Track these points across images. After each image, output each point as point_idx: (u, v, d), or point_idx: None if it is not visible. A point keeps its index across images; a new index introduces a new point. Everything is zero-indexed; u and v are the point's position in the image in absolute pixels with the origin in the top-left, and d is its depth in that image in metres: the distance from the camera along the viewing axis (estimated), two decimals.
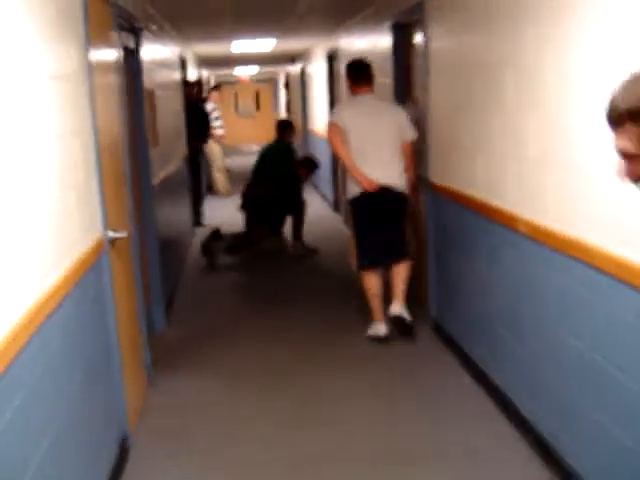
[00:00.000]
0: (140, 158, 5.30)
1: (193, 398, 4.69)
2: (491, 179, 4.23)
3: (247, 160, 19.48)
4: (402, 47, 6.31)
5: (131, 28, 5.20)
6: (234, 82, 23.47)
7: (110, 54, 4.26)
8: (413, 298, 6.15)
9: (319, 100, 12.24)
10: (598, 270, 3.01)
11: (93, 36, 3.71)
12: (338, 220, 10.54)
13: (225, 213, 11.26)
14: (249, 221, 8.46)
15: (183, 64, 10.15)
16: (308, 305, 6.60)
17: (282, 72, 21.40)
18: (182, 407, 4.55)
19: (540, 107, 3.54)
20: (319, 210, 11.41)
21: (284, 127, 8.86)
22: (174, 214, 7.54)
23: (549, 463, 3.57)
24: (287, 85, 19.66)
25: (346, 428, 4.17)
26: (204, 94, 12.37)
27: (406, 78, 6.32)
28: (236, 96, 25.23)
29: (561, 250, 3.34)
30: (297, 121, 16.06)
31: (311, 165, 8.84)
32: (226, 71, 20.19)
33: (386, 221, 5.45)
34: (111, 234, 3.83)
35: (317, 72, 12.44)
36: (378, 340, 5.46)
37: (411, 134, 5.50)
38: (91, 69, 3.64)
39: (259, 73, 21.92)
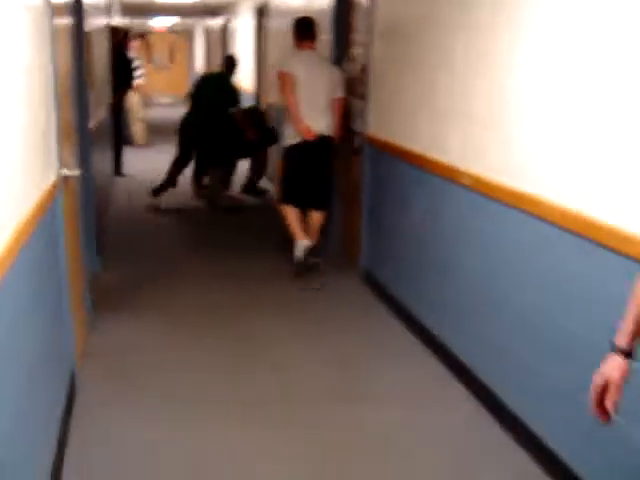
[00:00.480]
0: (78, 100, 5.23)
1: (132, 340, 4.75)
2: (435, 134, 4.41)
3: (160, 112, 19.26)
4: (343, 4, 6.38)
5: None
6: (149, 32, 23.02)
7: None
8: (345, 251, 6.39)
9: (244, 55, 12.15)
10: (539, 219, 3.27)
11: None
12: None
13: (144, 164, 11.17)
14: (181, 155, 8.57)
15: (108, 9, 9.95)
16: (242, 253, 6.74)
17: (200, 25, 21.10)
18: (122, 348, 4.61)
19: (490, 67, 3.73)
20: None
21: (232, 62, 8.75)
22: (101, 161, 7.46)
23: (484, 402, 3.84)
24: (206, 38, 19.41)
25: (281, 369, 4.35)
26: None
27: (345, 35, 6.40)
28: (150, 46, 24.74)
29: (503, 201, 3.59)
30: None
31: (266, 132, 8.68)
32: (142, 20, 19.76)
33: (315, 169, 6.03)
34: (66, 172, 3.83)
35: (243, 27, 12.35)
36: (304, 261, 5.96)
37: (340, 92, 6.02)
38: (52, 6, 3.61)
39: (175, 25, 21.56)
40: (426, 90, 4.52)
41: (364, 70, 5.84)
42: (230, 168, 8.69)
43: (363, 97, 5.83)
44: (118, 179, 10.25)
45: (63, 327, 3.78)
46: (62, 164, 3.77)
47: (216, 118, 8.26)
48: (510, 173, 3.54)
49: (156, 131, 14.44)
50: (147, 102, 16.83)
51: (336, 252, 6.66)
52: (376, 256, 5.60)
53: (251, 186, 9.16)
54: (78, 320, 4.29)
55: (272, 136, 8.70)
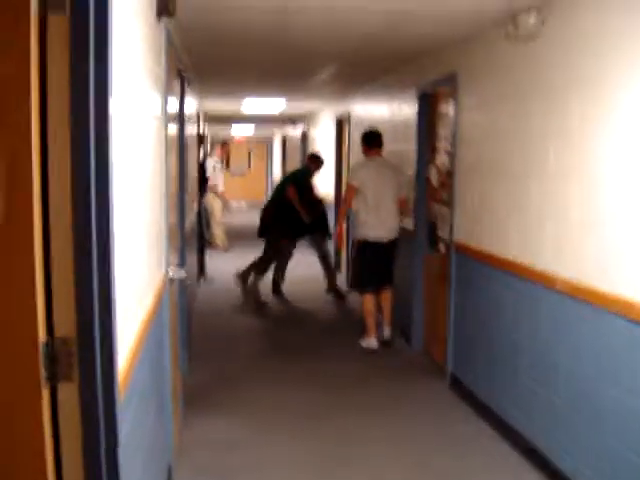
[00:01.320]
0: (180, 203, 5.48)
1: (221, 437, 4.82)
2: (526, 240, 4.48)
3: (237, 217, 19.78)
4: (426, 114, 6.62)
5: (180, 77, 5.45)
6: (230, 140, 23.86)
7: (174, 104, 4.50)
8: (429, 354, 6.41)
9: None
10: (634, 321, 3.31)
11: (168, 87, 3.97)
12: (340, 278, 10.73)
13: (226, 267, 11.41)
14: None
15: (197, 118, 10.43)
16: (323, 353, 6.84)
17: (278, 133, 21.80)
18: (214, 445, 4.68)
19: (581, 172, 3.84)
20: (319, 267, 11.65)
21: (312, 158, 9.53)
22: (190, 263, 7.70)
23: None
24: (283, 146, 20.02)
25: (375, 472, 4.33)
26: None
27: (429, 144, 6.61)
28: (229, 153, 25.68)
29: (598, 304, 3.62)
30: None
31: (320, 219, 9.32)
32: (221, 128, 20.52)
33: (382, 259, 6.90)
34: (171, 273, 4.01)
35: (322, 135, 12.74)
36: (371, 352, 6.80)
37: (405, 192, 6.93)
38: (167, 116, 3.87)
39: (255, 133, 22.32)
40: (516, 196, 4.63)
41: (449, 176, 6.00)
42: (277, 256, 9.11)
43: (448, 204, 5.98)
44: (202, 281, 10.51)
45: (165, 421, 3.88)
46: (168, 265, 3.96)
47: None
48: (604, 277, 3.58)
49: (234, 235, 14.83)
50: (225, 207, 17.34)
51: (420, 354, 6.71)
52: (463, 359, 5.61)
53: (331, 287, 9.34)
54: (175, 416, 4.39)
55: (324, 222, 9.32)
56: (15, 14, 1.75)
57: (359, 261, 7.02)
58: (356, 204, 6.89)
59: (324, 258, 9.41)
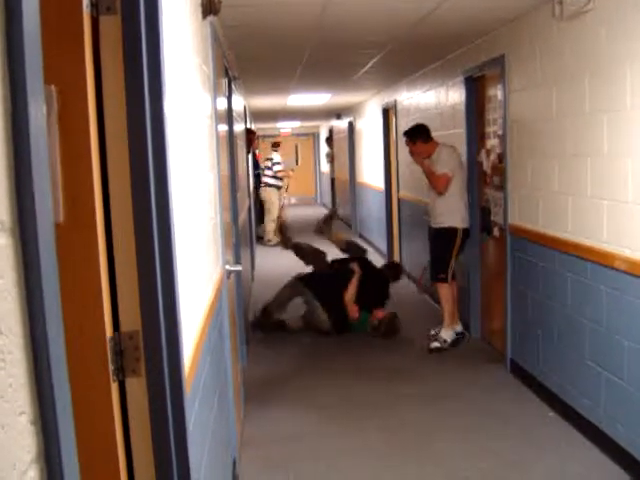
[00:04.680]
0: (232, 199, 5.54)
1: (285, 429, 4.87)
2: (582, 219, 4.43)
3: (288, 212, 19.86)
4: (474, 98, 6.57)
5: (226, 75, 5.50)
6: (274, 135, 23.92)
7: (222, 102, 4.54)
8: (487, 340, 6.37)
9: (372, 153, 12.49)
10: None
11: (216, 85, 4.00)
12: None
13: (275, 262, 11.42)
14: None
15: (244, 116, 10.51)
16: (380, 343, 6.84)
17: (324, 126, 21.83)
18: (276, 437, 4.72)
19: (635, 147, 3.77)
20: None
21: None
22: (244, 257, 7.76)
23: None
24: (329, 139, 20.02)
25: (436, 458, 4.33)
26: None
27: (478, 128, 6.56)
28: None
29: None
30: (344, 174, 16.44)
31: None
32: (268, 124, 20.63)
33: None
34: (228, 267, 4.05)
35: (369, 125, 12.72)
36: (459, 336, 6.61)
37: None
38: (216, 114, 3.91)
39: (300, 127, 22.38)
40: (571, 176, 4.57)
41: (500, 160, 5.94)
42: None
43: (500, 187, 5.92)
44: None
45: (227, 413, 3.93)
46: (225, 259, 4.00)
47: None
48: None
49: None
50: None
51: (479, 341, 6.67)
52: (523, 343, 5.55)
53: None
54: (236, 408, 4.44)
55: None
56: (67, 14, 1.78)
57: (452, 250, 6.48)
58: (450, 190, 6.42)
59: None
